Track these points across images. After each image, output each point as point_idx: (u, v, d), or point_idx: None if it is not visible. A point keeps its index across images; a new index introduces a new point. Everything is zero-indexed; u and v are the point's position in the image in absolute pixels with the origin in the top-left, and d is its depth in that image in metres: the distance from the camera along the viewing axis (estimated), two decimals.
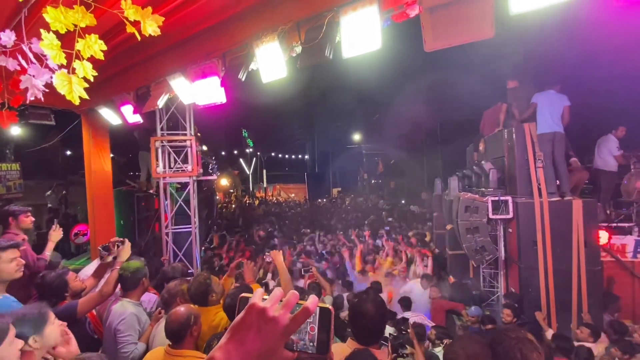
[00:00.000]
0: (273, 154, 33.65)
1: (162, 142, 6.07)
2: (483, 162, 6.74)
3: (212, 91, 4.00)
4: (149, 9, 1.75)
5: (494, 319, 4.63)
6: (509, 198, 5.74)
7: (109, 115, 5.76)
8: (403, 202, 17.93)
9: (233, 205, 20.05)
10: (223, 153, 26.02)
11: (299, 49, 3.39)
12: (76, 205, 11.49)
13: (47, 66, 1.76)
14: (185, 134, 6.23)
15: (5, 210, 3.34)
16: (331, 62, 3.18)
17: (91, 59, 1.74)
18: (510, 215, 5.71)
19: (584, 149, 6.93)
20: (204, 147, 6.94)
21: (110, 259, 2.96)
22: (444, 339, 3.95)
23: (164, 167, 6.09)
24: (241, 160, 30.21)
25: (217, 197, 15.91)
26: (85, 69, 1.73)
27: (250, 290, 2.75)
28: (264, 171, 31.48)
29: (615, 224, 5.95)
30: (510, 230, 5.91)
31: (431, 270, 6.28)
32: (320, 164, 31.81)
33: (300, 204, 22.07)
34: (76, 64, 1.71)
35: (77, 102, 1.75)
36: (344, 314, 4.28)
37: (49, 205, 10.60)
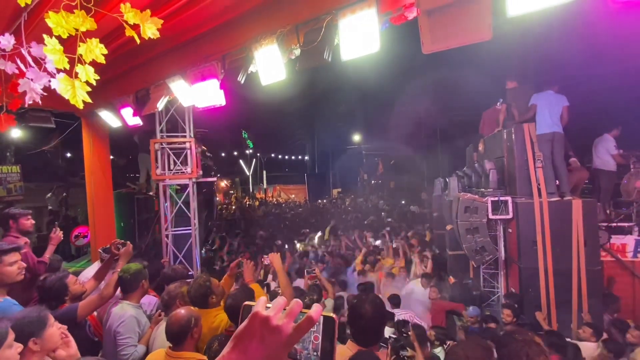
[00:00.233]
0: (273, 154, 33.65)
1: (161, 144, 6.08)
2: (485, 161, 6.74)
3: (211, 94, 4.01)
4: (148, 12, 1.76)
5: (496, 318, 4.63)
6: (509, 198, 5.75)
7: (108, 117, 5.77)
8: (403, 202, 17.94)
9: (233, 207, 20.06)
10: (223, 154, 26.03)
11: (297, 52, 3.40)
12: (76, 208, 11.50)
13: (45, 70, 1.76)
14: (185, 136, 6.24)
15: (5, 213, 3.34)
16: (331, 64, 3.19)
17: (92, 63, 1.75)
18: (510, 216, 5.71)
19: (583, 149, 6.94)
20: (203, 147, 6.94)
21: (110, 262, 2.96)
22: (443, 339, 3.94)
23: (164, 169, 6.09)
24: (241, 161, 30.22)
25: (217, 199, 15.91)
26: (88, 73, 1.74)
27: (251, 292, 2.76)
28: (264, 172, 31.48)
29: (615, 224, 5.95)
30: (510, 230, 5.91)
31: (430, 271, 6.28)
32: (320, 164, 31.86)
33: (301, 205, 22.08)
34: (79, 68, 1.71)
35: (81, 106, 1.75)
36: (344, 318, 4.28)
37: (50, 207, 10.62)
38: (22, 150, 10.31)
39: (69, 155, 15.81)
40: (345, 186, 28.52)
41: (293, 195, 29.91)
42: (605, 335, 3.97)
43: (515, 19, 2.35)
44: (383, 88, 16.97)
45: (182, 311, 2.23)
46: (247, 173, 30.12)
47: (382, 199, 19.50)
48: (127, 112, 5.29)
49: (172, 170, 6.15)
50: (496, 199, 5.76)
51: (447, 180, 8.31)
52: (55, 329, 1.77)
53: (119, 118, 5.56)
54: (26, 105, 1.93)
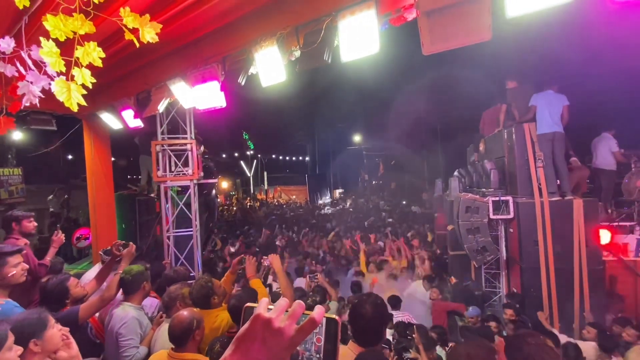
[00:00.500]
0: (274, 156, 33.67)
1: (162, 146, 6.09)
2: (485, 161, 6.74)
3: (212, 95, 4.02)
4: (147, 16, 1.76)
5: (497, 317, 4.62)
6: (510, 198, 5.74)
7: (110, 119, 5.79)
8: (404, 202, 17.93)
9: (234, 208, 20.08)
10: (224, 156, 26.07)
11: (297, 53, 3.41)
12: (78, 210, 11.52)
13: (45, 73, 1.77)
14: (186, 138, 6.25)
15: (8, 215, 3.36)
16: (331, 65, 3.20)
17: (90, 66, 1.76)
18: (511, 215, 5.70)
19: (583, 148, 6.93)
20: (202, 148, 6.95)
21: (112, 263, 2.96)
22: (445, 340, 3.94)
23: (165, 171, 6.10)
24: (242, 162, 30.25)
25: (218, 200, 15.93)
26: (84, 76, 1.74)
27: (255, 293, 2.76)
28: (265, 173, 31.50)
29: (616, 223, 5.94)
30: (511, 230, 5.91)
31: (428, 272, 6.28)
32: (321, 165, 31.85)
33: (302, 206, 22.09)
34: (75, 71, 1.72)
35: (75, 109, 1.75)
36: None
37: (51, 209, 10.64)
38: (23, 152, 10.34)
39: (70, 157, 15.87)
40: (346, 187, 28.53)
41: (294, 196, 29.92)
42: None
43: (514, 20, 2.36)
44: (383, 88, 16.99)
45: (184, 313, 2.23)
46: (248, 174, 30.15)
47: (383, 199, 19.50)
48: (128, 114, 5.30)
49: (173, 171, 6.16)
50: (497, 198, 5.76)
51: (448, 180, 8.31)
52: (56, 331, 1.77)
53: (120, 120, 5.57)
54: (21, 107, 1.95)
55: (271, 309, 0.60)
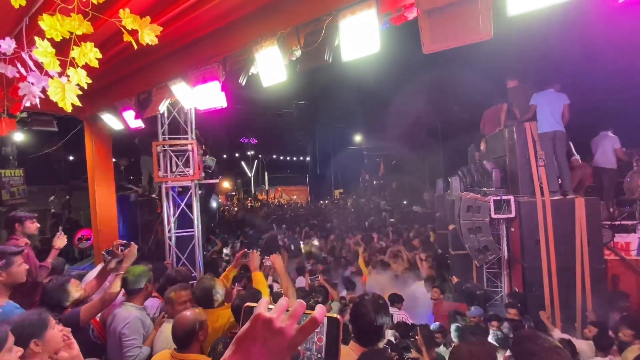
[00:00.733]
0: (274, 156, 33.63)
1: (163, 147, 6.09)
2: (485, 161, 6.73)
3: (212, 96, 4.01)
4: (148, 18, 1.76)
5: (499, 317, 4.61)
6: (511, 197, 5.74)
7: (111, 120, 5.79)
8: (405, 202, 17.91)
9: (235, 209, 20.09)
10: (225, 156, 26.06)
11: (298, 53, 3.40)
12: (79, 210, 11.53)
13: (47, 74, 1.77)
14: (187, 138, 6.25)
15: (12, 216, 3.37)
16: (332, 64, 3.19)
17: (88, 67, 1.75)
18: (513, 215, 5.69)
19: (585, 147, 6.92)
20: (205, 149, 6.97)
21: (113, 264, 2.95)
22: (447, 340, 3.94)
23: (166, 171, 6.11)
24: (243, 163, 30.25)
25: (219, 201, 15.93)
26: (80, 77, 1.73)
27: (259, 295, 2.75)
28: (266, 173, 31.49)
29: (618, 222, 5.92)
30: (513, 229, 5.90)
31: (427, 273, 6.27)
32: (322, 165, 31.80)
33: (303, 206, 22.08)
34: (70, 71, 1.71)
35: (69, 109, 1.74)
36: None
37: (53, 210, 10.66)
38: (24, 153, 10.35)
39: (71, 158, 15.88)
40: (346, 187, 28.50)
41: (295, 196, 29.93)
42: (611, 334, 3.95)
43: (516, 18, 2.35)
44: (383, 88, 16.93)
45: (187, 314, 2.23)
46: (249, 174, 30.15)
47: (384, 199, 19.48)
48: (129, 115, 5.30)
49: (174, 172, 6.17)
50: (498, 198, 5.75)
51: (449, 179, 8.30)
52: (57, 331, 1.77)
53: (121, 121, 5.57)
54: (22, 107, 1.94)
55: (272, 309, 0.59)
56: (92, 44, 1.75)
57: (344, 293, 6.03)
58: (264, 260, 3.40)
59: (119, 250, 2.97)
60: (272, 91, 3.91)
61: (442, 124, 17.35)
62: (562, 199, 5.41)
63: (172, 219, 6.15)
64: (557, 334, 4.13)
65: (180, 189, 6.43)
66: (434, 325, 4.30)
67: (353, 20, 2.86)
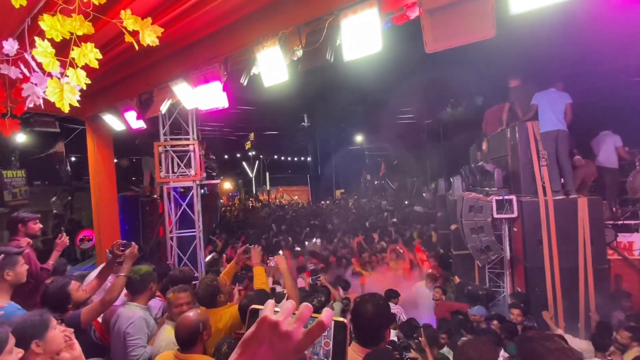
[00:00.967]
0: (276, 156, 33.64)
1: (165, 147, 6.10)
2: (484, 163, 6.72)
3: (214, 96, 4.02)
4: (149, 19, 1.76)
5: (502, 317, 4.60)
6: (513, 197, 5.72)
7: (112, 121, 5.80)
8: (406, 202, 17.87)
9: (236, 209, 20.09)
10: (226, 157, 26.09)
11: (299, 53, 3.40)
12: (81, 211, 11.55)
13: (50, 74, 1.77)
14: (188, 139, 6.26)
15: (15, 217, 3.38)
16: (333, 64, 3.19)
17: (89, 68, 1.75)
18: (515, 214, 5.68)
19: (587, 146, 6.90)
20: (206, 150, 6.99)
21: (115, 264, 2.95)
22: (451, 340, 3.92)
23: (167, 172, 6.12)
24: (244, 163, 30.27)
25: (221, 201, 15.93)
26: (79, 77, 1.73)
27: (267, 296, 2.74)
28: (267, 174, 31.49)
29: (621, 222, 5.89)
30: (515, 229, 5.88)
31: (429, 271, 6.26)
32: (323, 165, 31.77)
33: (304, 206, 22.07)
34: (69, 71, 1.71)
35: (66, 109, 1.72)
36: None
37: (55, 211, 10.67)
38: (26, 154, 10.37)
39: (73, 159, 15.91)
40: (348, 187, 28.48)
41: (296, 197, 29.93)
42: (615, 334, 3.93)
43: (518, 16, 2.34)
44: (385, 88, 16.90)
45: (190, 315, 2.22)
46: (250, 175, 30.16)
47: (385, 199, 19.44)
48: (131, 116, 5.31)
49: (175, 172, 6.18)
50: (501, 197, 5.73)
51: (451, 179, 8.29)
52: (58, 332, 1.76)
53: (122, 121, 5.58)
54: (25, 109, 1.94)
55: (278, 312, 0.58)
56: (92, 44, 1.75)
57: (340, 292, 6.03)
58: (268, 261, 3.41)
59: (120, 250, 2.96)
60: (273, 91, 3.91)
61: (443, 124, 17.30)
62: (565, 198, 5.38)
63: (174, 220, 6.15)
64: (559, 333, 4.11)
65: (182, 190, 6.44)
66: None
67: (354, 19, 2.86)
